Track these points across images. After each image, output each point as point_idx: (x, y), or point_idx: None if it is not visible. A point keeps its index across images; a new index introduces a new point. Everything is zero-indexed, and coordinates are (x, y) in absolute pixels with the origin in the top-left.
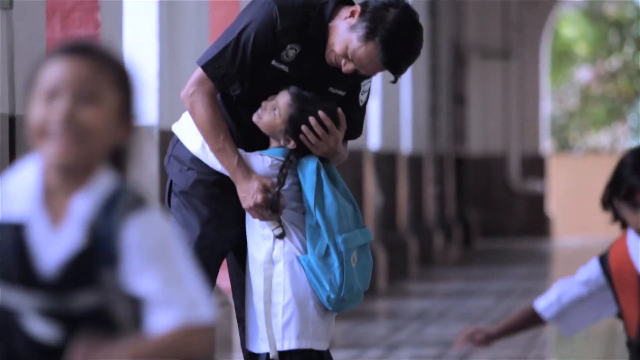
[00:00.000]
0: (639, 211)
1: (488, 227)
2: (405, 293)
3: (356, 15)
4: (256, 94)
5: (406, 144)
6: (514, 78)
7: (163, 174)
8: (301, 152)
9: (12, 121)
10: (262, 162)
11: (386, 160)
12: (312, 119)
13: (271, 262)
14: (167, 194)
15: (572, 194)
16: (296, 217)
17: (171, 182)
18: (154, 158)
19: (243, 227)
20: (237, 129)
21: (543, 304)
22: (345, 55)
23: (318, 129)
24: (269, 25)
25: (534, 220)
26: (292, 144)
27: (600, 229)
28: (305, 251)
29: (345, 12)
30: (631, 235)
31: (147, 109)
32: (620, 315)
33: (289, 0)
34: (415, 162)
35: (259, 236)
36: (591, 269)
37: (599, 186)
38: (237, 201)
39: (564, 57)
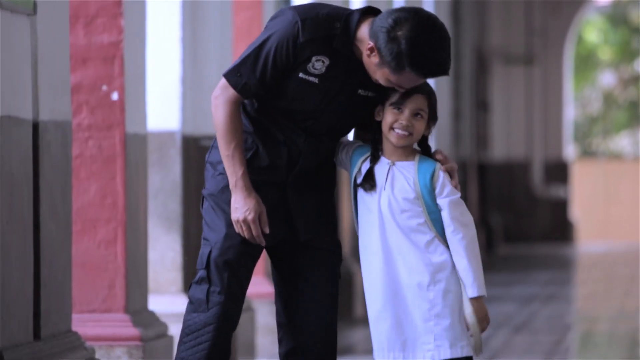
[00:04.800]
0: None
1: (511, 232)
2: None
3: (374, 52)
4: (288, 105)
5: None
6: (537, 83)
7: (186, 179)
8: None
9: (36, 127)
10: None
11: None
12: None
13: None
14: (202, 198)
15: (596, 199)
16: None
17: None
18: (176, 163)
19: (273, 231)
20: (279, 144)
21: None
22: (392, 84)
23: None
24: (290, 37)
25: (557, 226)
26: (432, 126)
27: (624, 234)
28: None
29: (364, 30)
30: None
31: (170, 115)
32: None
33: (313, 12)
34: None
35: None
36: None
37: (623, 192)
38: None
39: (587, 61)
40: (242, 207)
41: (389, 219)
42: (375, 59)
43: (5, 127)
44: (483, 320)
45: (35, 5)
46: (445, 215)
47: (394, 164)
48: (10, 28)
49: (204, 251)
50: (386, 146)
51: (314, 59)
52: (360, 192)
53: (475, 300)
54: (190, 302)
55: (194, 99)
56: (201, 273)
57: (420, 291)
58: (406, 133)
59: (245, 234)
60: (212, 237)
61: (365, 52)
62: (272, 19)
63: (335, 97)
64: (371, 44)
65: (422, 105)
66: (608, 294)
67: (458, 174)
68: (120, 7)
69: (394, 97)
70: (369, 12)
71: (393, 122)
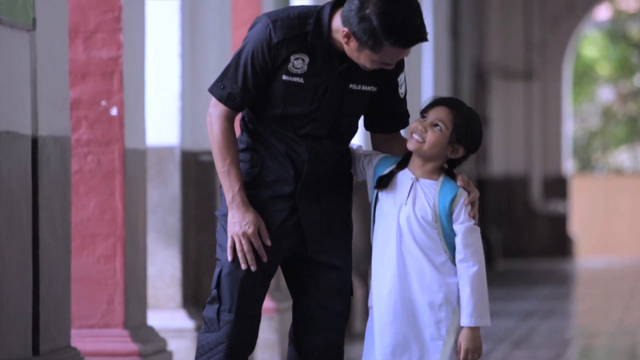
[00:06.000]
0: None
1: (510, 247)
2: None
3: (351, 37)
4: (283, 112)
5: None
6: (536, 99)
7: (185, 194)
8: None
9: (35, 142)
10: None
11: None
12: None
13: None
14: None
15: (595, 214)
16: None
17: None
18: (175, 178)
19: (282, 250)
20: (280, 154)
21: None
22: (378, 64)
23: None
24: (264, 40)
25: (556, 241)
26: (462, 151)
27: (623, 249)
28: None
29: (338, 20)
30: None
31: (169, 130)
32: None
33: (285, 13)
34: None
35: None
36: None
37: (622, 207)
38: (271, 226)
39: (585, 77)
40: (240, 222)
41: (407, 235)
42: (353, 44)
43: (5, 142)
44: (475, 352)
45: (34, 21)
46: (458, 241)
47: (417, 180)
48: (10, 43)
49: (215, 271)
50: (414, 159)
51: (292, 58)
52: (380, 204)
53: (470, 330)
54: (204, 322)
55: (193, 114)
56: (213, 293)
57: (432, 310)
58: (419, 139)
59: (245, 248)
60: (223, 257)
61: (343, 41)
62: (250, 28)
63: (326, 94)
64: (345, 30)
65: (444, 117)
66: (607, 309)
67: None
68: (119, 22)
69: (425, 105)
70: (339, 3)
71: (414, 127)
